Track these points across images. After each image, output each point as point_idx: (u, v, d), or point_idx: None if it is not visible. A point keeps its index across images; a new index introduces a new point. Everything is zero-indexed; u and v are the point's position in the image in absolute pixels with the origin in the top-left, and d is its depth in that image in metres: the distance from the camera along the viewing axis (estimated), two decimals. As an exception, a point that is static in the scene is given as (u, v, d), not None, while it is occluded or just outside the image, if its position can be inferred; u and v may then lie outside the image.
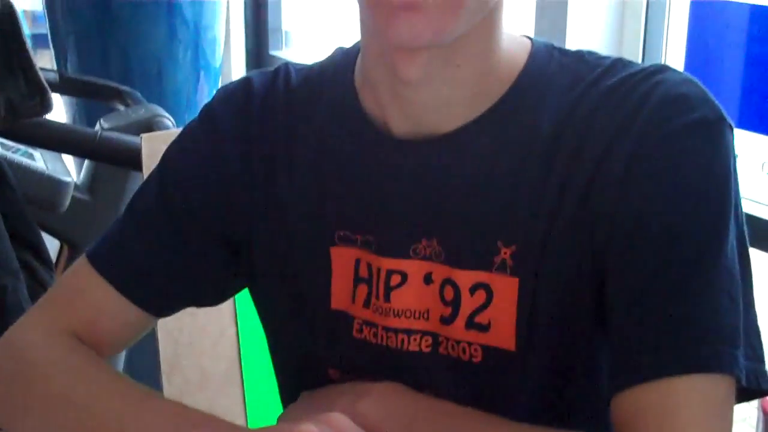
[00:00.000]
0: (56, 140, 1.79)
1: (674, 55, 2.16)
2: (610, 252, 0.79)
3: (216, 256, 0.94)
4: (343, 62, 0.92)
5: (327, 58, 0.95)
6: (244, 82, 0.95)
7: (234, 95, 0.95)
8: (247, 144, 0.92)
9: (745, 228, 0.81)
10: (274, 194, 0.91)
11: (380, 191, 0.87)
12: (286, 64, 0.96)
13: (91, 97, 2.32)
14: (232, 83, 0.97)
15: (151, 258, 0.93)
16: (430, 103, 0.84)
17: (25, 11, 3.59)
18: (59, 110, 2.60)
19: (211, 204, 0.93)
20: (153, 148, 1.67)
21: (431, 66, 0.81)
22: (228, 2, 3.00)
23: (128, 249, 0.93)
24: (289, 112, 0.92)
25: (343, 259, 0.89)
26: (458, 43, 0.80)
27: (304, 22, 3.31)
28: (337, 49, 0.96)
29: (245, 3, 3.30)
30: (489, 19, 0.82)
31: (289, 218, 0.91)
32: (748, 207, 1.94)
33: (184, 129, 0.97)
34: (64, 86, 2.27)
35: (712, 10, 2.08)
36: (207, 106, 0.96)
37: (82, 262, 0.95)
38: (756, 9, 2.00)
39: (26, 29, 3.76)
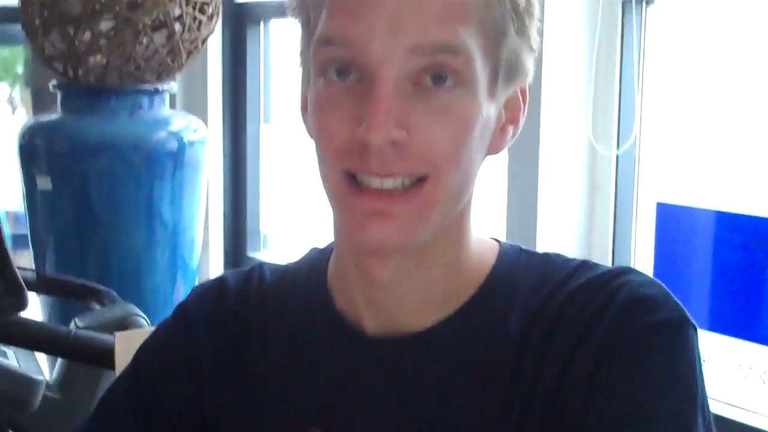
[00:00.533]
0: (29, 338, 1.78)
1: (643, 259, 2.20)
2: None
3: None
4: (316, 262, 0.95)
5: (301, 258, 0.98)
6: (219, 281, 0.98)
7: (208, 294, 0.97)
8: (220, 342, 0.93)
9: (713, 428, 0.81)
10: (246, 391, 0.92)
11: (352, 388, 0.88)
12: (261, 264, 0.98)
13: (68, 297, 2.32)
14: (207, 282, 0.99)
15: None
16: (401, 303, 0.86)
17: (7, 212, 3.64)
18: (35, 309, 2.59)
19: (182, 401, 0.93)
20: (126, 347, 1.66)
21: (402, 268, 0.84)
22: (208, 204, 3.06)
23: None
24: (262, 311, 0.94)
25: None
26: (428, 246, 0.83)
27: (282, 224, 3.37)
28: (311, 250, 0.98)
29: (224, 206, 3.36)
30: (457, 223, 0.86)
31: (261, 415, 0.91)
32: (724, 410, 1.95)
33: (158, 326, 0.99)
34: (41, 285, 2.28)
35: (678, 215, 2.14)
36: (181, 305, 0.98)
37: None
38: (722, 216, 2.05)
39: (7, 230, 3.81)
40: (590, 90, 2.18)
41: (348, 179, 0.80)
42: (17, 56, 5.18)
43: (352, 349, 0.88)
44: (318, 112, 0.81)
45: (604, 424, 0.78)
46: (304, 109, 0.87)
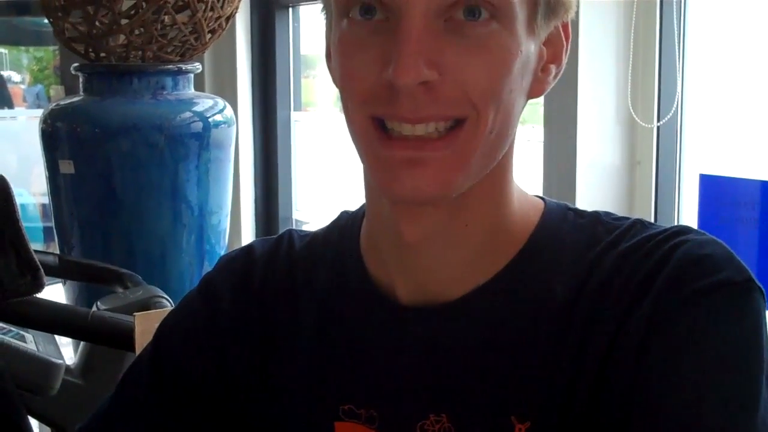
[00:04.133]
0: (47, 320, 1.73)
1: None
2: (631, 427, 0.72)
3: (209, 429, 0.89)
4: (348, 226, 0.89)
5: (332, 222, 0.92)
6: (246, 249, 0.92)
7: (234, 263, 0.92)
8: (246, 315, 0.88)
9: None
10: (274, 368, 0.87)
11: (385, 362, 0.82)
12: (290, 230, 0.93)
13: (91, 280, 2.29)
14: (234, 251, 0.94)
15: (138, 429, 0.89)
16: (435, 266, 0.80)
17: (36, 204, 3.63)
18: (59, 294, 2.57)
19: (204, 378, 0.88)
20: (147, 328, 1.62)
21: (435, 224, 0.77)
22: (239, 188, 3.02)
23: (117, 424, 0.90)
24: (291, 278, 0.88)
25: None
26: (464, 199, 0.76)
27: (315, 212, 3.33)
28: (342, 213, 0.92)
29: (254, 192, 3.32)
30: (497, 175, 0.78)
31: (289, 391, 0.85)
32: None
33: (182, 299, 0.94)
34: (63, 269, 2.24)
35: (722, 187, 2.06)
36: (207, 276, 0.93)
37: None
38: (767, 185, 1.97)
39: (39, 222, 3.80)
40: (629, 60, 2.11)
41: (376, 126, 0.74)
42: (51, 56, 5.25)
43: (385, 319, 0.83)
44: (342, 55, 0.75)
45: (653, 396, 0.71)
46: (329, 56, 0.81)
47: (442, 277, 0.80)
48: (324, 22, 0.81)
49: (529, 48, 0.75)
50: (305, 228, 0.94)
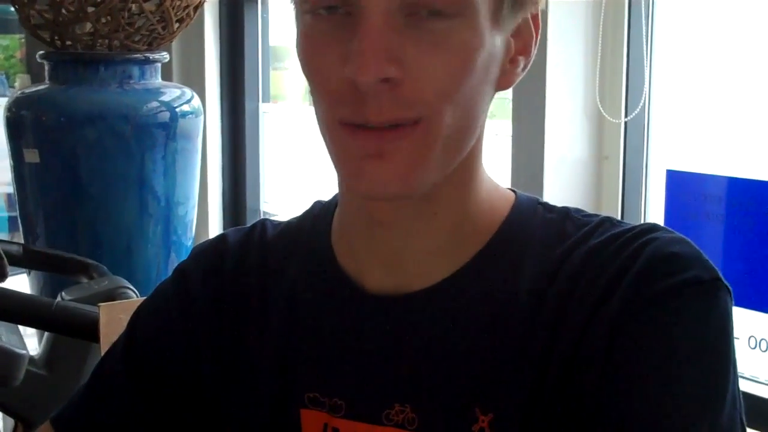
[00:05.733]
0: (10, 309, 1.71)
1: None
2: (596, 423, 0.72)
3: (181, 418, 0.89)
4: (320, 215, 0.89)
5: (305, 211, 0.92)
6: (219, 239, 0.93)
7: (207, 253, 0.92)
8: (218, 302, 0.89)
9: (740, 401, 0.73)
10: (244, 353, 0.87)
11: (351, 350, 0.82)
12: (263, 220, 0.93)
13: (56, 271, 2.26)
14: (206, 241, 0.95)
15: (114, 421, 0.89)
16: (403, 250, 0.80)
17: (1, 194, 3.59)
18: (23, 285, 2.54)
19: (177, 363, 0.89)
20: (111, 319, 1.61)
21: (405, 209, 0.78)
22: (206, 179, 3.00)
23: (92, 412, 0.90)
24: (263, 267, 0.89)
25: (312, 423, 0.83)
26: (434, 192, 0.76)
27: (283, 203, 3.31)
28: (315, 203, 0.93)
29: (222, 183, 3.31)
30: (466, 166, 0.78)
31: (258, 378, 0.85)
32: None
33: (156, 288, 0.95)
34: (27, 259, 2.21)
35: (689, 182, 2.07)
36: (180, 266, 0.93)
37: (45, 426, 0.91)
38: (733, 182, 1.98)
39: (4, 212, 3.75)
40: (597, 55, 2.12)
41: (343, 125, 0.74)
42: (17, 44, 5.20)
43: (351, 307, 0.83)
44: (306, 50, 0.75)
45: (620, 392, 0.71)
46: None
47: (409, 267, 0.80)
48: (294, 14, 0.81)
49: (495, 41, 0.75)
50: (275, 219, 0.94)
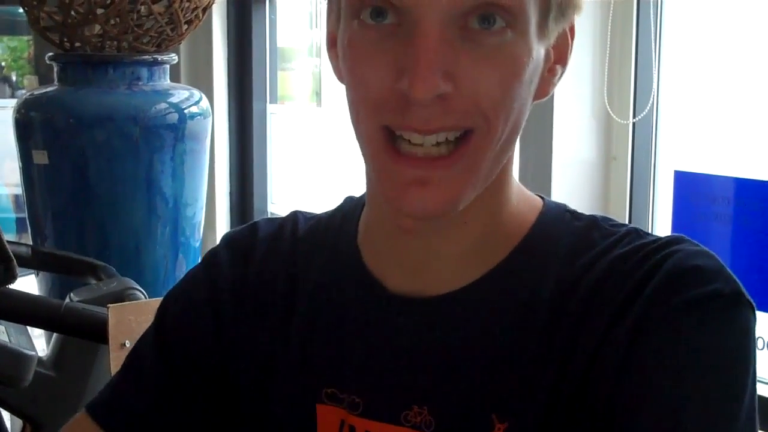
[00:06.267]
0: (19, 311, 1.72)
1: (661, 229, 2.13)
2: (612, 429, 0.71)
3: (209, 401, 0.90)
4: (349, 211, 0.89)
5: (337, 207, 0.92)
6: (251, 227, 0.93)
7: (238, 241, 0.92)
8: (245, 291, 0.89)
9: (756, 419, 0.73)
10: (267, 344, 0.87)
11: (373, 350, 0.82)
12: (296, 212, 0.94)
13: (64, 272, 2.27)
14: (238, 229, 0.95)
15: (144, 404, 0.90)
16: (428, 257, 0.80)
17: (8, 195, 3.60)
18: (32, 286, 2.54)
19: (203, 346, 0.89)
20: (120, 320, 1.61)
21: (435, 224, 0.78)
22: (213, 180, 3.00)
23: (125, 397, 0.91)
24: (292, 262, 0.89)
25: (328, 418, 0.83)
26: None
27: (292, 205, 3.32)
28: (346, 198, 0.93)
29: (230, 185, 3.31)
30: (499, 178, 0.78)
31: (278, 370, 0.86)
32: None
33: (186, 273, 0.95)
34: (36, 261, 2.22)
35: (697, 183, 2.07)
36: (211, 252, 0.94)
37: (81, 414, 0.91)
38: (741, 182, 1.98)
39: (12, 213, 3.76)
40: (605, 56, 2.11)
41: (385, 135, 0.73)
42: (26, 46, 5.21)
43: (374, 307, 0.83)
44: (352, 59, 0.74)
45: (635, 404, 0.70)
46: (332, 47, 0.80)
47: (433, 271, 0.80)
48: (327, 7, 0.80)
49: (540, 52, 0.75)
50: (308, 212, 0.94)
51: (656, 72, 2.07)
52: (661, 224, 2.12)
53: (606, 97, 2.11)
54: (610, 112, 2.11)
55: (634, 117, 2.11)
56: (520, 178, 2.14)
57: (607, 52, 2.11)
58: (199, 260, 0.97)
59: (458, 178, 0.72)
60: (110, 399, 0.92)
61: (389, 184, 0.74)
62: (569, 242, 0.80)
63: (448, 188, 0.72)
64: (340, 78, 0.77)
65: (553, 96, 2.08)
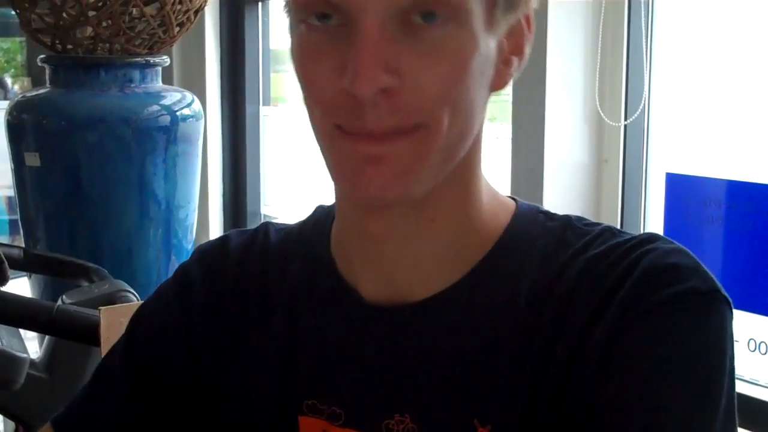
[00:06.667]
0: (11, 313, 1.71)
1: (653, 231, 2.14)
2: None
3: (182, 420, 0.89)
4: (321, 221, 0.89)
5: (308, 217, 0.92)
6: (222, 240, 0.92)
7: (210, 254, 0.92)
8: (219, 306, 0.88)
9: (735, 415, 0.73)
10: (244, 357, 0.86)
11: (351, 359, 0.82)
12: (266, 223, 0.93)
13: (56, 274, 2.27)
14: (210, 242, 0.94)
15: (113, 422, 0.89)
16: (400, 263, 0.79)
17: (1, 197, 3.59)
18: (24, 289, 2.54)
19: (176, 366, 0.89)
20: (112, 322, 1.61)
21: (401, 219, 0.77)
22: (207, 182, 3.00)
23: (92, 412, 0.90)
24: (264, 272, 0.88)
25: (310, 430, 0.83)
26: (431, 197, 0.76)
27: (284, 207, 3.31)
28: (317, 207, 0.92)
29: (222, 186, 3.31)
30: (463, 171, 0.78)
31: (257, 384, 0.85)
32: (737, 386, 1.89)
33: (157, 288, 0.94)
34: (28, 263, 2.21)
35: (688, 185, 2.07)
36: (183, 266, 0.93)
37: (46, 427, 0.91)
38: (733, 185, 1.99)
39: (5, 215, 3.75)
40: (597, 59, 2.12)
41: (340, 131, 0.73)
42: (18, 48, 5.20)
43: (350, 317, 0.83)
44: (300, 61, 0.75)
45: (614, 403, 0.71)
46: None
47: (407, 276, 0.80)
48: (288, 22, 0.80)
49: (488, 44, 0.74)
50: (278, 223, 0.94)
51: (647, 74, 2.07)
52: (653, 226, 2.13)
53: (597, 100, 2.12)
54: (602, 114, 2.12)
55: (625, 119, 2.12)
56: (512, 180, 2.16)
57: (599, 54, 2.11)
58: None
59: (410, 157, 0.72)
60: (76, 415, 0.91)
61: (344, 166, 0.74)
62: (544, 243, 0.80)
63: (401, 166, 0.72)
64: (299, 84, 0.78)
65: (544, 99, 2.09)
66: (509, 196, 0.85)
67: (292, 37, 0.76)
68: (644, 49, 2.07)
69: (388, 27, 0.70)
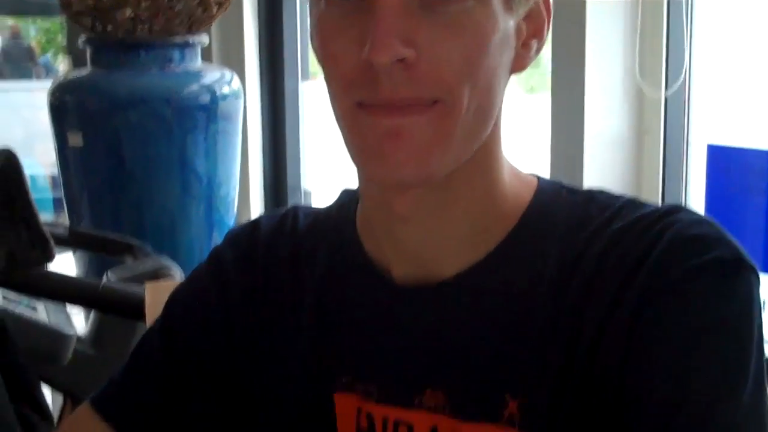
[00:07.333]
0: (58, 291, 1.75)
1: (694, 203, 2.12)
2: (621, 403, 0.73)
3: (218, 400, 0.91)
4: (347, 204, 0.90)
5: (335, 201, 0.93)
6: (253, 224, 0.94)
7: (241, 238, 0.93)
8: (252, 288, 0.90)
9: (765, 378, 0.73)
10: (277, 340, 0.88)
11: (383, 337, 0.83)
12: (295, 207, 0.94)
13: (100, 251, 2.31)
14: (240, 227, 0.96)
15: (151, 399, 0.91)
16: (426, 242, 0.80)
17: (45, 175, 3.64)
18: (69, 266, 2.58)
19: (212, 348, 0.90)
20: (157, 298, 1.63)
21: (425, 201, 0.78)
22: (247, 158, 3.02)
23: (129, 391, 0.91)
24: (294, 256, 0.89)
25: (345, 407, 0.84)
26: (452, 178, 0.77)
27: (325, 182, 3.33)
28: (342, 191, 0.93)
29: (263, 162, 3.32)
30: (485, 152, 0.79)
31: (291, 364, 0.87)
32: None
33: (192, 271, 0.96)
34: (73, 241, 2.26)
35: (730, 157, 2.06)
36: (215, 250, 0.95)
37: (83, 406, 0.92)
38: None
39: (49, 193, 3.80)
40: (637, 30, 2.09)
41: (360, 108, 0.74)
42: (58, 28, 5.26)
43: (380, 297, 0.84)
44: (320, 36, 0.76)
45: (643, 373, 0.71)
46: (312, 36, 0.81)
47: (433, 255, 0.81)
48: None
49: (507, 24, 0.75)
50: (306, 207, 0.95)
51: (688, 44, 2.05)
52: (694, 199, 2.11)
53: (637, 71, 2.10)
54: (642, 85, 2.10)
55: (666, 90, 2.10)
56: (552, 153, 2.15)
57: (638, 25, 2.09)
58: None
59: (431, 134, 0.73)
60: (115, 395, 0.92)
61: (364, 143, 0.75)
62: (568, 218, 0.80)
63: (423, 143, 0.73)
64: (318, 60, 0.79)
65: (583, 70, 2.08)
66: (531, 174, 0.86)
67: (312, 15, 0.77)
68: (685, 19, 2.05)
69: (408, 2, 0.71)
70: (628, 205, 0.79)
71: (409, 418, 0.81)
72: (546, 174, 0.86)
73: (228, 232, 0.97)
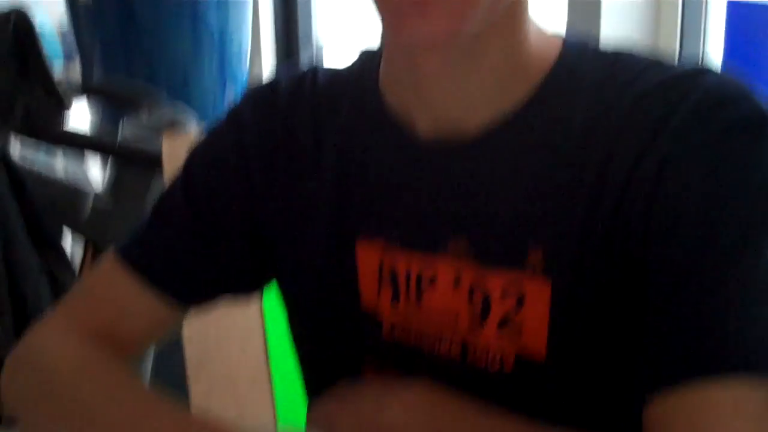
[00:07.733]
0: (77, 142, 1.77)
1: (712, 58, 2.11)
2: (645, 254, 0.74)
3: (243, 249, 0.92)
4: (368, 64, 0.89)
5: (354, 61, 0.92)
6: (271, 84, 0.93)
7: (260, 96, 0.93)
8: (272, 143, 0.90)
9: None
10: (298, 193, 0.89)
11: (406, 194, 0.83)
12: (314, 67, 0.93)
13: (115, 102, 2.30)
14: (259, 84, 0.95)
15: (178, 248, 0.92)
16: (453, 98, 0.80)
17: (56, 30, 3.59)
18: (84, 118, 2.58)
19: (235, 202, 0.91)
20: (175, 149, 1.65)
21: (452, 56, 0.77)
22: (257, 10, 2.98)
23: (155, 241, 0.92)
24: (314, 115, 0.89)
25: (369, 256, 0.85)
26: (481, 36, 0.76)
27: (337, 32, 3.29)
28: (362, 52, 0.92)
29: (274, 11, 3.28)
30: (512, 11, 0.78)
31: (314, 215, 0.88)
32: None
33: (209, 128, 0.95)
34: (87, 92, 2.25)
35: (749, 12, 2.03)
36: (233, 107, 0.94)
37: (108, 256, 0.93)
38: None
39: (58, 46, 3.76)
40: None
41: None
42: None
43: (404, 154, 0.84)
44: None
45: (665, 224, 0.72)
46: None
47: (459, 110, 0.81)
48: None
49: None
50: (325, 67, 0.94)
51: None
52: (713, 55, 2.09)
53: None
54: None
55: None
56: (569, 9, 2.12)
57: None
58: (238, 100, 0.96)
59: (458, 2, 0.71)
60: (141, 244, 0.93)
61: (390, 12, 0.73)
62: (594, 77, 0.79)
63: (448, 11, 0.71)
64: None
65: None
66: (557, 35, 0.85)
67: None
68: None
69: None
70: (654, 66, 0.78)
71: (432, 268, 0.82)
72: (562, 28, 0.84)
73: (245, 90, 0.96)
